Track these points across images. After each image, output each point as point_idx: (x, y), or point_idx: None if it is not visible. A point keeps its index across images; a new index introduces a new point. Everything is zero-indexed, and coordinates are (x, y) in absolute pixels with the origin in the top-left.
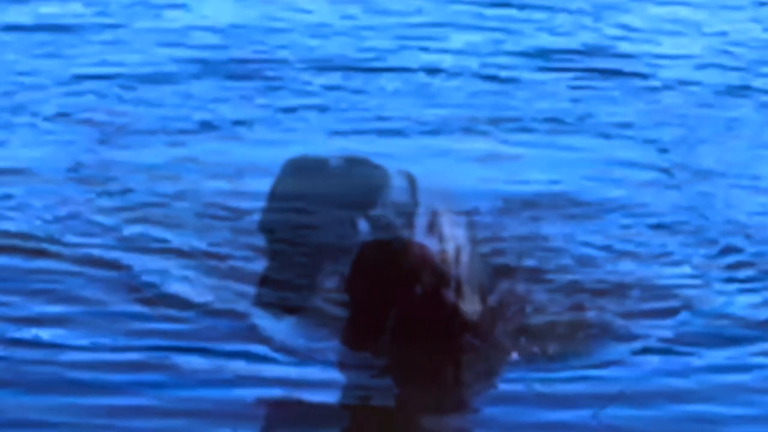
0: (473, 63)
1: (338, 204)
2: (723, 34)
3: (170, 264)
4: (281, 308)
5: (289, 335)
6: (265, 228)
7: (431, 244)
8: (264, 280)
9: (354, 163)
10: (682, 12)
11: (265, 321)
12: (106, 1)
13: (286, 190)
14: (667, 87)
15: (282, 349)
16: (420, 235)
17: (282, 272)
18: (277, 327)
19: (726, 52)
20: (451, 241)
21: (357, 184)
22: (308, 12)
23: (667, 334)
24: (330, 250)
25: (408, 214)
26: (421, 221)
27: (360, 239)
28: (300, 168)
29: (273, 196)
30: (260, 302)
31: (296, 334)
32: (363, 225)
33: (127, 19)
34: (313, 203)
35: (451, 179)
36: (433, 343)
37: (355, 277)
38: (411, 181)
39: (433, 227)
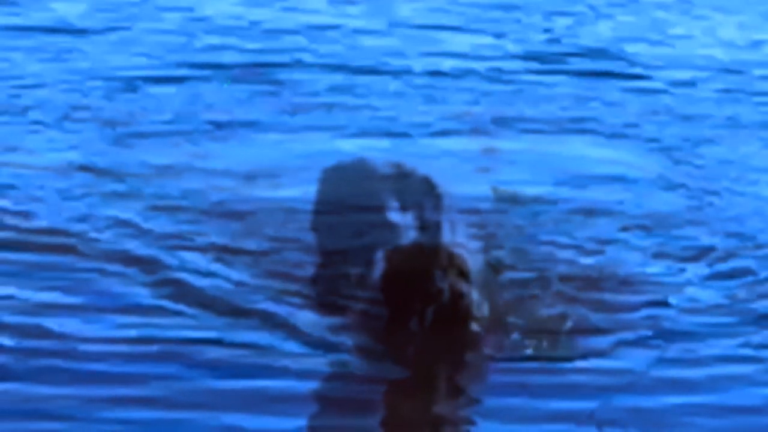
0: (475, 65)
1: (380, 207)
2: (723, 35)
3: (186, 258)
4: (327, 307)
5: (318, 329)
6: (314, 228)
7: (453, 245)
8: (314, 280)
9: (393, 167)
10: (681, 14)
11: (290, 315)
12: (111, 3)
13: (331, 194)
14: (666, 88)
15: (308, 342)
16: (445, 237)
17: (328, 271)
18: (305, 321)
19: (724, 52)
20: (465, 241)
21: (399, 187)
22: (313, 14)
23: (656, 328)
24: (370, 251)
25: (435, 217)
26: (445, 224)
27: (398, 242)
28: (343, 171)
29: (320, 199)
30: (312, 301)
31: (325, 328)
32: (404, 228)
33: (134, 21)
34: (358, 206)
35: (453, 179)
36: (444, 338)
37: (389, 277)
38: (436, 184)
39: (453, 229)
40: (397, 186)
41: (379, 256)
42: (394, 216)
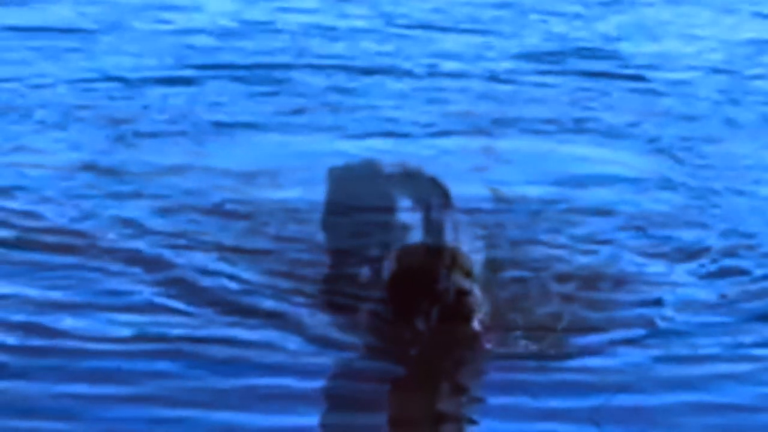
0: (475, 65)
1: (386, 207)
2: (719, 35)
3: (189, 257)
4: (332, 305)
5: (322, 327)
6: (322, 228)
7: (457, 246)
8: (324, 279)
9: (399, 168)
10: (679, 15)
11: (294, 314)
12: (112, 3)
13: (339, 194)
14: (665, 88)
15: (312, 340)
16: (449, 237)
17: (335, 270)
18: (310, 319)
19: (722, 53)
20: (467, 240)
21: (405, 187)
22: (312, 14)
23: (651, 326)
24: (377, 251)
25: (440, 217)
26: (449, 223)
27: (405, 241)
28: (351, 172)
29: (328, 199)
30: (317, 299)
31: (329, 326)
32: (411, 228)
33: (134, 21)
34: (365, 206)
35: (453, 179)
36: (446, 337)
37: (397, 277)
38: (442, 186)
39: (456, 228)
40: (403, 186)
41: (388, 255)
42: (401, 216)
